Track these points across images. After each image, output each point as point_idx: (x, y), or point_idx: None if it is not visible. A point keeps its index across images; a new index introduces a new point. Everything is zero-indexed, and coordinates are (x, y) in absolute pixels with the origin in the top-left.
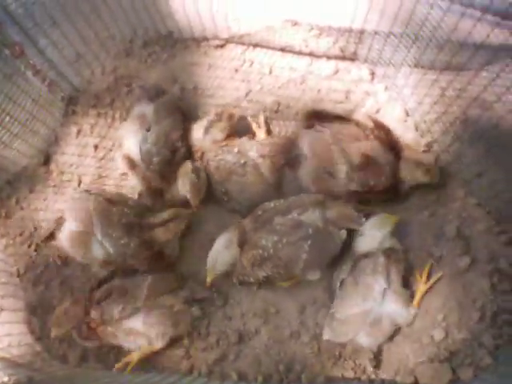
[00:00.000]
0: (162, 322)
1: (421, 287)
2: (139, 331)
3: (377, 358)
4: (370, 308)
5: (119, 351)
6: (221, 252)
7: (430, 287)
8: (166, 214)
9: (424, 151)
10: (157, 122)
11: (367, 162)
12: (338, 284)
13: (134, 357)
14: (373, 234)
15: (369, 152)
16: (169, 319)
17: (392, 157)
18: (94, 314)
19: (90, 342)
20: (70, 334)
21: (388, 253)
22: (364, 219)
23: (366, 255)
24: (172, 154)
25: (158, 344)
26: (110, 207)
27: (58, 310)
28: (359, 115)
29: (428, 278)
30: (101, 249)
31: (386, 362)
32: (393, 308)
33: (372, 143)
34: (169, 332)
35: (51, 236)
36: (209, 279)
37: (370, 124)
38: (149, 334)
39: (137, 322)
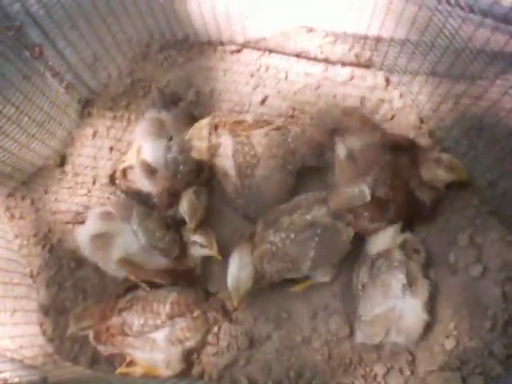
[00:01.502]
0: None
1: None
2: (159, 346)
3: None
4: (393, 306)
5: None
6: (238, 275)
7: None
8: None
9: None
10: (178, 131)
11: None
12: (360, 287)
13: (137, 371)
14: (384, 232)
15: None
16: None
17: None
18: (115, 321)
19: (105, 347)
20: (86, 335)
21: (402, 246)
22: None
23: (381, 254)
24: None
25: (166, 372)
26: (149, 211)
27: (80, 307)
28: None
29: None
30: (124, 244)
31: (396, 371)
32: (413, 303)
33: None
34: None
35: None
36: (236, 302)
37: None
38: (166, 354)
39: (159, 336)
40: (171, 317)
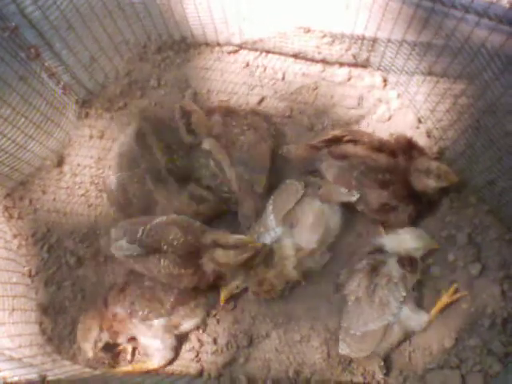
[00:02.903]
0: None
1: (443, 299)
2: (155, 331)
3: (387, 365)
4: (387, 322)
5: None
6: None
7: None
8: (231, 239)
9: (436, 158)
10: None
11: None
12: (353, 298)
13: (133, 367)
14: (404, 237)
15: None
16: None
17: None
18: (120, 307)
19: (108, 334)
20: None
21: (403, 261)
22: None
23: (378, 266)
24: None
25: (157, 360)
26: None
27: (78, 327)
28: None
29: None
30: None
31: (395, 369)
32: (406, 314)
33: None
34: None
35: None
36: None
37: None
38: (160, 340)
39: (158, 322)
40: (174, 306)
